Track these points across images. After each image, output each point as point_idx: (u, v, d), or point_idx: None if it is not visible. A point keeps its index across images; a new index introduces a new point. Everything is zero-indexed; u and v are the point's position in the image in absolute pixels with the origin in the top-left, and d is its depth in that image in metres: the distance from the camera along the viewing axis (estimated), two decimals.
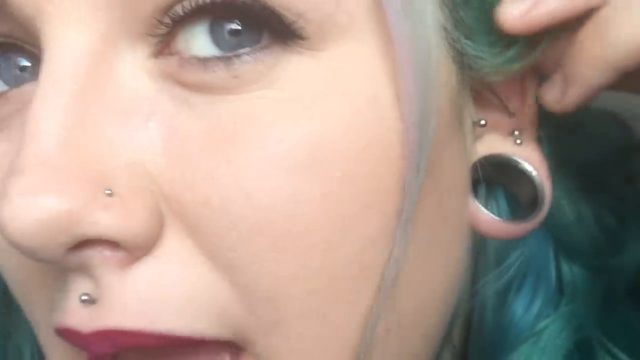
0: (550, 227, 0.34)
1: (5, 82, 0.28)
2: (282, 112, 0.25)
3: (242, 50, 0.25)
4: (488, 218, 0.31)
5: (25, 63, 0.28)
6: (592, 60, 0.27)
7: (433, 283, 0.29)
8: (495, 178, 0.33)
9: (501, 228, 0.31)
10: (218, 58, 0.25)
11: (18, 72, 0.28)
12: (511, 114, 0.31)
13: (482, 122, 0.31)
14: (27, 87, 0.28)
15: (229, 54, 0.25)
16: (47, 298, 0.28)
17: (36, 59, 0.27)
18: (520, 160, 0.31)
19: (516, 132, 0.31)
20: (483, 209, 0.31)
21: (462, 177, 0.30)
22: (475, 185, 0.32)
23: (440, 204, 0.28)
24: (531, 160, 0.31)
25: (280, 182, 0.24)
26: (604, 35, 0.26)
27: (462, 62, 0.28)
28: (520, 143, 0.31)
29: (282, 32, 0.25)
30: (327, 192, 0.25)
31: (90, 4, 0.24)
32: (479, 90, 0.31)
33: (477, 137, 0.31)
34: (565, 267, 0.35)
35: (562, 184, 0.35)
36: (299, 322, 0.26)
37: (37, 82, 0.27)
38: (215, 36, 0.25)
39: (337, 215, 0.25)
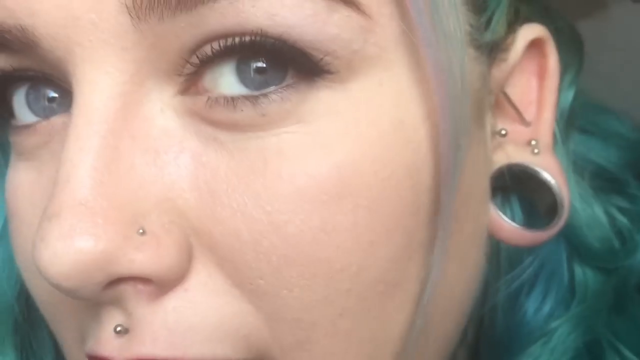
0: (564, 229, 0.34)
1: (35, 113, 0.29)
2: (310, 146, 0.25)
3: (268, 89, 0.25)
4: (509, 226, 0.31)
5: (54, 94, 0.28)
6: None
7: (454, 287, 0.30)
8: (510, 186, 0.33)
9: (521, 236, 0.31)
10: (245, 97, 0.25)
11: (47, 103, 0.29)
12: (527, 124, 0.32)
13: (503, 131, 0.32)
14: (55, 119, 0.28)
15: (256, 93, 0.25)
16: (78, 325, 0.28)
17: (64, 91, 0.28)
18: (539, 170, 0.31)
19: (533, 142, 0.32)
20: (504, 217, 0.31)
21: (482, 186, 0.31)
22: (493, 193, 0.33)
23: (460, 213, 0.29)
24: (549, 169, 0.32)
25: (309, 214, 0.25)
26: None
27: (483, 58, 0.29)
28: (538, 152, 0.32)
29: (309, 70, 0.25)
30: (354, 221, 0.25)
31: (119, 45, 0.25)
32: (497, 100, 0.31)
33: (496, 147, 0.32)
34: (578, 269, 0.36)
35: (575, 186, 0.35)
36: (326, 341, 0.26)
37: (65, 115, 0.27)
38: (242, 75, 0.25)
39: (364, 241, 0.26)
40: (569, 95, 0.35)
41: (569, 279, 0.36)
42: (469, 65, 0.28)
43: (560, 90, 0.33)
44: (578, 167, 0.36)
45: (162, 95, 0.26)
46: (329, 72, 0.25)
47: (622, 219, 0.37)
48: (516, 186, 0.33)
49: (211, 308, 0.26)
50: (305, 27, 0.24)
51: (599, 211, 0.36)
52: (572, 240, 0.36)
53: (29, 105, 0.29)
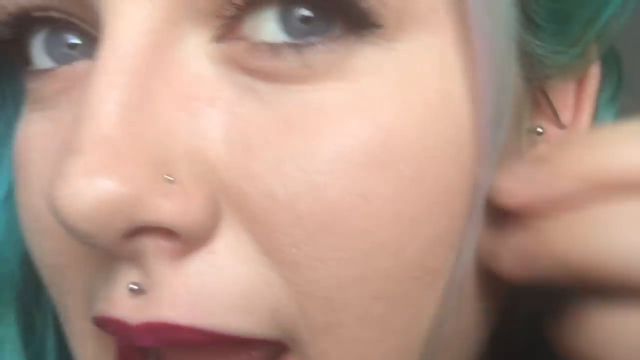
0: None
1: (54, 59, 0.27)
2: (354, 106, 0.24)
3: (314, 39, 0.24)
4: None
5: (76, 41, 0.27)
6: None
7: (479, 292, 0.28)
8: None
9: None
10: (289, 45, 0.23)
11: (67, 50, 0.27)
12: (562, 126, 0.31)
13: (539, 129, 0.30)
14: (78, 65, 0.26)
15: (301, 42, 0.23)
16: (86, 286, 0.26)
17: (88, 37, 0.26)
18: None
19: None
20: None
21: None
22: None
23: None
24: None
25: (351, 178, 0.23)
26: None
27: (528, 63, 0.28)
28: None
29: (357, 21, 0.23)
30: (397, 191, 0.24)
31: None
32: (536, 98, 0.30)
33: (529, 145, 0.31)
34: None
35: None
36: (357, 326, 0.25)
37: (88, 61, 0.26)
38: (285, 23, 0.24)
39: (405, 215, 0.24)
40: (609, 112, 0.34)
41: None
42: (514, 52, 0.27)
43: (598, 105, 0.33)
44: None
45: (198, 39, 0.24)
46: (376, 24, 0.23)
47: None
48: None
49: (238, 275, 0.24)
50: None
51: None
52: None
53: (48, 51, 0.27)
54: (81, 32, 0.26)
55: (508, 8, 0.26)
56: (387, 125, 0.24)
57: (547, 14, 0.27)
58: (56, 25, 0.27)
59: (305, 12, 0.24)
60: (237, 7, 0.24)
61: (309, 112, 0.24)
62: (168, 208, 0.23)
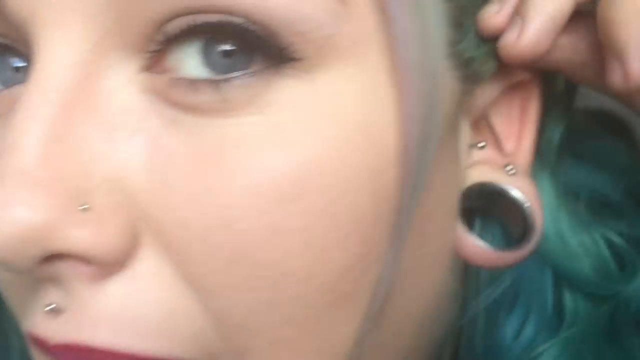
0: (552, 259, 0.34)
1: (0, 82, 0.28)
2: (270, 139, 0.24)
3: (232, 75, 0.24)
4: (473, 244, 0.31)
5: (20, 64, 0.28)
6: None
7: (410, 304, 0.29)
8: (490, 209, 0.33)
9: (487, 256, 0.31)
10: (208, 81, 0.24)
11: (12, 73, 0.28)
12: (506, 154, 0.31)
13: (480, 144, 0.31)
14: (17, 88, 0.27)
15: (219, 78, 0.24)
16: (21, 300, 0.28)
17: (31, 61, 0.26)
18: (508, 187, 0.31)
19: (509, 167, 0.31)
20: (469, 234, 0.31)
21: (450, 201, 0.30)
22: (471, 214, 0.32)
23: (424, 227, 0.28)
24: (522, 191, 0.31)
25: (262, 212, 0.24)
26: None
27: (463, 75, 0.28)
28: (514, 173, 0.31)
29: (276, 55, 0.24)
30: (307, 223, 0.25)
31: (84, 12, 0.24)
32: (477, 120, 0.31)
33: (471, 164, 0.31)
34: (567, 295, 0.34)
35: (566, 213, 0.34)
36: (271, 350, 0.26)
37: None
38: (208, 57, 0.24)
39: (316, 246, 0.25)
40: (558, 130, 0.34)
41: (555, 304, 0.34)
42: (445, 76, 0.27)
43: (547, 124, 0.33)
44: (572, 193, 0.35)
45: (126, 69, 0.25)
46: (296, 58, 0.24)
47: (621, 244, 0.35)
48: (497, 210, 0.33)
49: (158, 299, 0.25)
50: (277, 2, 0.23)
51: (594, 237, 0.35)
52: (559, 267, 0.34)
53: None
54: (25, 55, 0.27)
55: (441, 25, 0.26)
56: (300, 159, 0.24)
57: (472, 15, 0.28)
58: (2, 49, 0.27)
59: (227, 47, 0.24)
60: (160, 42, 0.25)
61: (226, 145, 0.24)
62: (81, 236, 0.24)
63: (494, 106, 0.31)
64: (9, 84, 0.28)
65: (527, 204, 0.31)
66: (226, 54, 0.25)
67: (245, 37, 0.24)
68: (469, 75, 0.29)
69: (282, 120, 0.25)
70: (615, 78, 0.26)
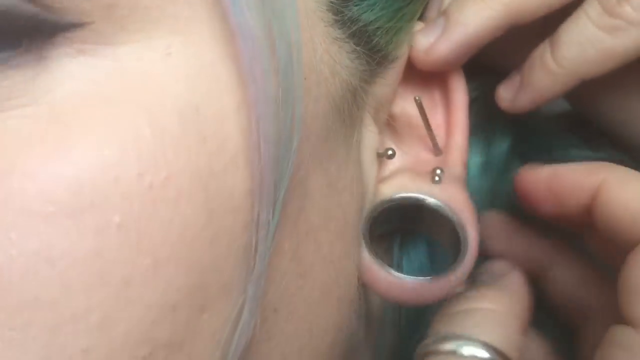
0: None
1: None
2: (40, 137, 0.18)
3: None
4: (385, 276, 0.23)
5: None
6: (547, 67, 0.26)
7: (287, 356, 0.23)
8: (417, 226, 0.26)
9: (404, 289, 0.23)
10: None
11: None
12: (438, 151, 0.26)
13: (390, 151, 0.25)
14: None
15: None
16: None
17: None
18: (425, 197, 0.24)
19: (438, 171, 0.25)
20: (377, 263, 0.24)
21: (346, 220, 0.24)
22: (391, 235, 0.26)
23: (302, 252, 0.22)
24: (450, 202, 0.25)
25: (24, 234, 0.18)
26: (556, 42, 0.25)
27: (354, 49, 0.23)
28: (439, 181, 0.25)
29: (42, 26, 0.18)
30: (99, 247, 0.18)
31: None
32: (390, 117, 0.26)
33: (386, 176, 0.26)
34: None
35: None
36: None
37: None
38: None
39: (115, 278, 0.18)
40: (503, 145, 0.30)
41: None
42: (322, 47, 0.22)
43: (492, 139, 0.30)
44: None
45: None
46: (74, 23, 0.18)
47: None
48: (421, 226, 0.26)
49: None
50: None
51: None
52: None
53: None
54: None
55: None
56: (87, 160, 0.18)
57: None
58: None
59: None
60: None
61: None
62: None
63: (407, 90, 0.26)
64: None
65: (455, 218, 0.24)
66: None
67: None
68: (367, 52, 0.23)
69: (61, 112, 0.18)
70: None
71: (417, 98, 0.25)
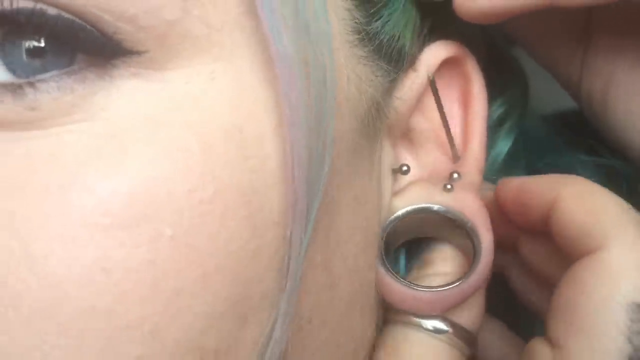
0: None
1: None
2: (97, 153, 0.19)
3: (40, 77, 0.19)
4: (397, 284, 0.24)
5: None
6: None
7: None
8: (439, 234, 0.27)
9: (418, 300, 0.24)
10: (4, 86, 0.19)
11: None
12: (456, 158, 0.26)
13: (404, 167, 0.26)
14: None
15: (21, 82, 0.19)
16: None
17: None
18: (432, 205, 0.25)
19: (455, 175, 0.26)
20: (393, 276, 0.24)
21: (369, 233, 0.25)
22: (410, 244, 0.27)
23: (332, 264, 0.23)
24: (464, 209, 0.25)
25: (82, 245, 0.19)
26: None
27: (378, 67, 0.24)
28: (451, 189, 0.25)
29: (101, 47, 0.19)
30: (152, 258, 0.19)
31: None
32: (408, 129, 0.26)
33: (400, 189, 0.26)
34: None
35: None
36: None
37: None
38: (8, 57, 0.20)
39: (167, 288, 0.19)
40: (505, 144, 0.30)
41: None
42: (349, 67, 0.23)
43: (497, 138, 0.30)
44: None
45: None
46: (132, 51, 0.19)
47: None
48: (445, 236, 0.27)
49: None
50: None
51: None
52: None
53: None
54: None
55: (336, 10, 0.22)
56: (141, 176, 0.19)
57: None
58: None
59: (34, 43, 0.19)
60: None
61: (37, 162, 0.19)
62: None
63: (427, 102, 0.26)
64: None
65: (469, 223, 0.24)
66: (35, 52, 0.20)
67: (58, 29, 0.19)
68: (388, 64, 0.24)
69: (117, 129, 0.19)
70: None
71: (430, 76, 0.25)
